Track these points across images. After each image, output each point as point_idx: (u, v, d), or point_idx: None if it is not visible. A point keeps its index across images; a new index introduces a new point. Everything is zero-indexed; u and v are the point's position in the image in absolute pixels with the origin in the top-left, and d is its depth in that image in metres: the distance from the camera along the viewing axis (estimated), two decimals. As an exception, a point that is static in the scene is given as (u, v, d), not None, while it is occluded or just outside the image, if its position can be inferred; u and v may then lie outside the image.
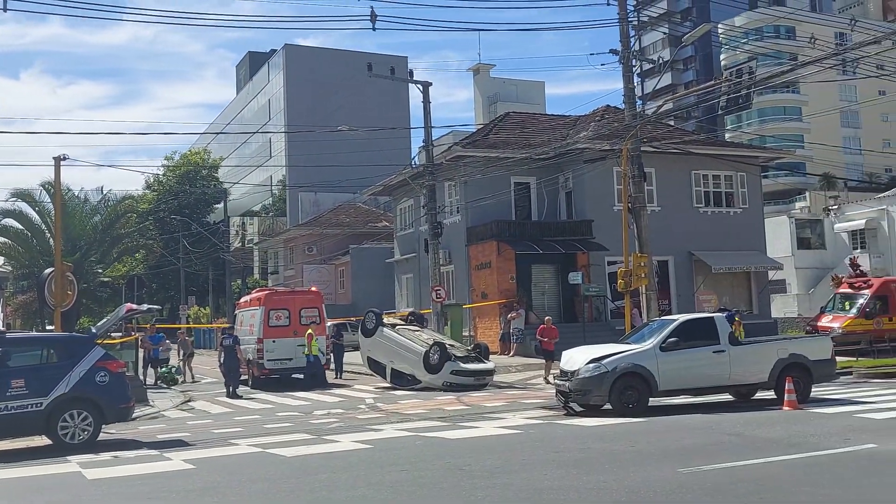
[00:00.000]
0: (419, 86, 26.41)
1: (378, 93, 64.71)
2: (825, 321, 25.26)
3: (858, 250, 42.66)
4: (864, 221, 44.02)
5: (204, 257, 54.46)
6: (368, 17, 21.00)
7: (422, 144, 27.48)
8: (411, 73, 29.88)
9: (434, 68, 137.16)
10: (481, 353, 20.99)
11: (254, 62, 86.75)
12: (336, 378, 24.28)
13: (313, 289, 26.41)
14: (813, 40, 25.18)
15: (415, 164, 32.67)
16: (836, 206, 47.07)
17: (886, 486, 7.44)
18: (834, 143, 60.98)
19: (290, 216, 64.99)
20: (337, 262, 46.87)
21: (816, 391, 14.91)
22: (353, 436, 12.08)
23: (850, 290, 25.92)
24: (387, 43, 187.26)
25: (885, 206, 43.18)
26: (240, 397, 20.37)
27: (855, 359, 21.83)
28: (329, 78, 69.50)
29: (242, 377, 22.67)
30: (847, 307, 25.39)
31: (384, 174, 35.73)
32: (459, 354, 20.44)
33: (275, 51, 79.57)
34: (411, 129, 54.17)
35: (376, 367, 21.77)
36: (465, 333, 28.32)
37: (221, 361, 21.68)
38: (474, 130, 38.44)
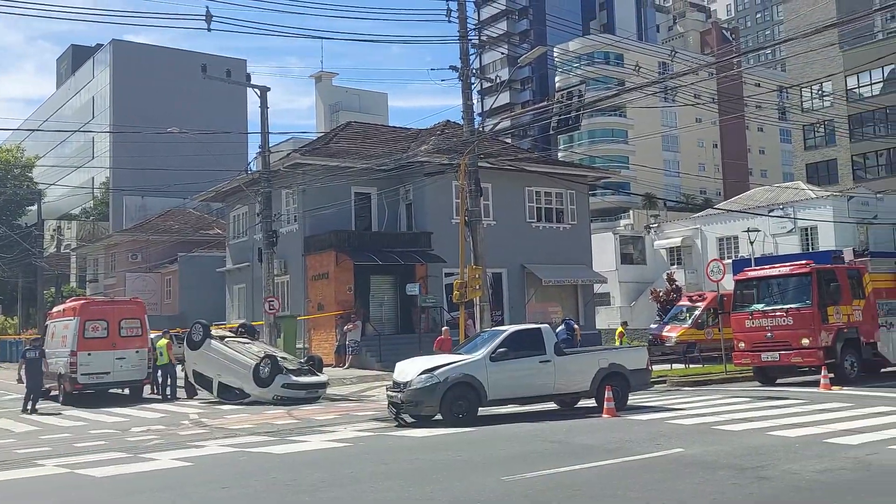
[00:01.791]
0: (256, 90, 25.67)
1: (215, 96, 62.57)
2: (665, 330, 28.18)
3: (675, 266, 45.91)
4: (680, 239, 47.40)
5: (13, 263, 50.18)
6: (203, 18, 20.21)
7: (259, 150, 26.71)
8: (249, 76, 28.89)
9: (276, 74, 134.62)
10: (314, 365, 20.66)
11: (77, 56, 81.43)
12: (154, 392, 22.90)
13: (136, 298, 25.00)
14: (638, 68, 26.82)
15: (251, 170, 31.66)
16: (655, 225, 50.48)
17: (687, 487, 7.92)
18: (656, 165, 65.38)
19: (114, 221, 61.36)
20: (164, 270, 44.61)
21: (633, 399, 15.72)
22: (173, 453, 11.45)
23: (688, 303, 29.26)
24: (227, 46, 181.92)
25: (699, 226, 46.71)
26: (37, 412, 18.82)
27: (669, 367, 23.41)
28: (161, 78, 66.35)
29: (52, 392, 21.12)
30: (686, 318, 28.11)
31: (218, 180, 34.42)
32: (291, 367, 19.98)
33: (101, 45, 75.07)
34: (248, 135, 52.60)
35: (202, 380, 20.86)
36: (300, 346, 27.73)
37: (21, 375, 20.02)
38: (315, 138, 37.90)
